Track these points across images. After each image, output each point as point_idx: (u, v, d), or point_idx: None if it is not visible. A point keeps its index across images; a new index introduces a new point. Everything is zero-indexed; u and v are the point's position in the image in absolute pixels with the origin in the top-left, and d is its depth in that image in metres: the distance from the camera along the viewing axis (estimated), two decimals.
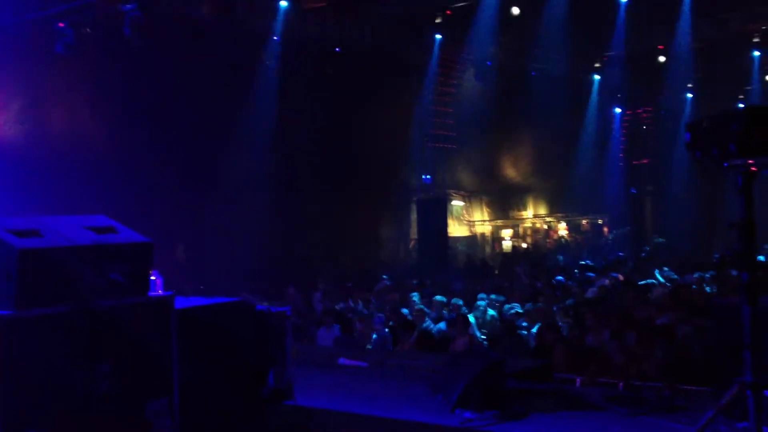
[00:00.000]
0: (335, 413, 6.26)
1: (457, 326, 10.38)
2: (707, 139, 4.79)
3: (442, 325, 11.24)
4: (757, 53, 23.82)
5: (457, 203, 28.19)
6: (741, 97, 27.02)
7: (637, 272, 16.78)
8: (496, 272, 20.05)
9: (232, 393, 5.85)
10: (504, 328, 10.73)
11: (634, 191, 27.75)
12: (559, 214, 31.13)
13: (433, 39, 19.10)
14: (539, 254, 25.19)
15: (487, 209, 30.67)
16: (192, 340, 5.39)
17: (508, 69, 21.74)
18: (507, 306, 12.46)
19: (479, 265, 21.97)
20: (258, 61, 16.71)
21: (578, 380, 7.27)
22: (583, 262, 20.23)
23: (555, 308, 11.63)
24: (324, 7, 17.11)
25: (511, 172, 30.67)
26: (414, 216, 23.82)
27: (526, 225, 31.32)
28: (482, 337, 10.94)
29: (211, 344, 5.73)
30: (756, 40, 22.45)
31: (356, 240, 24.60)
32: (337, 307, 13.25)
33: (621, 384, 6.70)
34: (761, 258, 16.54)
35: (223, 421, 5.76)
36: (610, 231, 30.38)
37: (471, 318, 11.31)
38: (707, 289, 13.61)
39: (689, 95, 28.04)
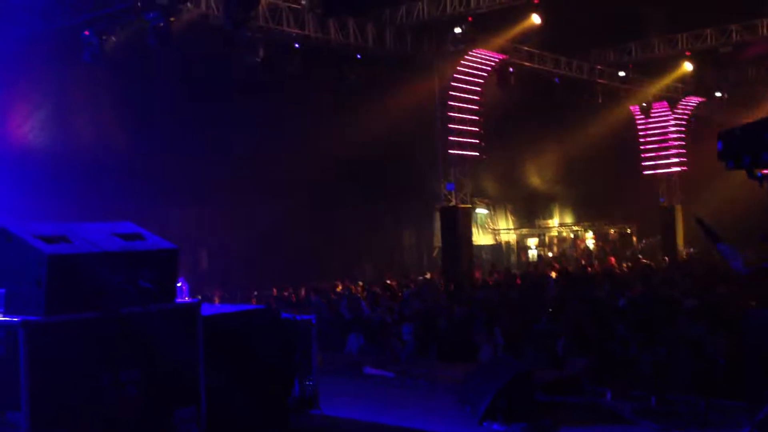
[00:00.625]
0: (360, 423, 6.22)
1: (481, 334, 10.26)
2: (739, 147, 4.71)
3: None
4: None
5: (481, 211, 28.03)
6: None
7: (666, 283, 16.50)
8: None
9: (257, 401, 5.80)
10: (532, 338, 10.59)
11: (663, 200, 27.35)
12: (586, 223, 30.80)
13: (457, 45, 19.12)
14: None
15: (512, 217, 30.47)
16: (218, 348, 5.34)
17: (531, 75, 21.65)
18: None
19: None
20: (281, 68, 16.78)
21: (608, 393, 7.14)
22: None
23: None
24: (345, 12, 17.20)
25: (535, 179, 30.45)
26: (437, 224, 23.75)
27: (552, 234, 31.06)
28: None
29: (237, 351, 5.68)
30: None
31: (381, 248, 24.59)
32: (362, 315, 13.18)
33: (653, 398, 6.57)
34: None
35: (249, 430, 5.72)
36: (639, 240, 30.00)
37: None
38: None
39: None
